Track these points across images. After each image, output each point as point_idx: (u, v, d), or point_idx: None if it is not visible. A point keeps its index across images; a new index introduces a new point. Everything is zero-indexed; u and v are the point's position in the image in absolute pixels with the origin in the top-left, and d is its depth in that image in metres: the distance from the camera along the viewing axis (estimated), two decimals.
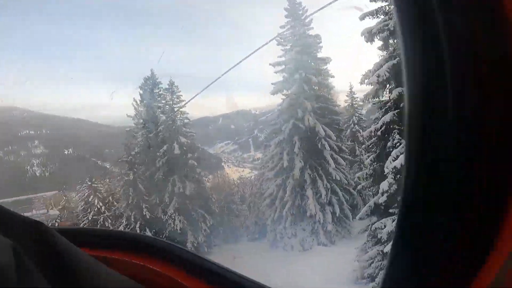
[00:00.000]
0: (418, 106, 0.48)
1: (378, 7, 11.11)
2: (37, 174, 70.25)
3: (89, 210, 28.30)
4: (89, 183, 29.20)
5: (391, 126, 11.18)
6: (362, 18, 11.44)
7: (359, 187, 15.05)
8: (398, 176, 9.93)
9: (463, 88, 0.44)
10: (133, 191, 20.66)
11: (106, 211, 27.25)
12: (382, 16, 11.11)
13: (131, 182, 20.88)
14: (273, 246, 18.59)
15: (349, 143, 23.59)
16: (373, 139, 12.42)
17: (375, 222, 10.68)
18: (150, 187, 21.35)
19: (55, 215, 30.01)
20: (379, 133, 11.72)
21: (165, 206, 19.93)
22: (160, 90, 23.86)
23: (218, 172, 36.53)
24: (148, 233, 19.34)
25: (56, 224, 28.25)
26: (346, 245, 15.86)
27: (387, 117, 10.85)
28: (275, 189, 18.69)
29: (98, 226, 25.71)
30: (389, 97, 11.37)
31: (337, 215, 17.94)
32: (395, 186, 10.05)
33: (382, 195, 10.30)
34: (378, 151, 12.17)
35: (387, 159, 10.77)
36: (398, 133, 11.05)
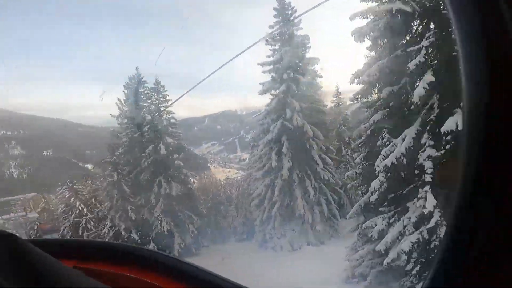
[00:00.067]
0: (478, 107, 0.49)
1: (368, 8, 11.22)
2: (15, 176, 67.68)
3: (70, 213, 27.46)
4: (70, 184, 28.33)
5: (381, 125, 11.28)
6: (352, 18, 11.52)
7: (348, 186, 15.13)
8: (389, 174, 10.02)
9: None
10: (117, 193, 20.12)
11: (89, 213, 26.48)
12: (371, 17, 11.23)
13: (115, 183, 20.32)
14: (262, 247, 18.49)
15: (335, 143, 23.83)
16: (363, 138, 12.53)
17: (365, 221, 10.73)
18: (135, 188, 20.87)
19: (34, 218, 28.97)
20: (368, 132, 11.82)
21: (151, 208, 19.50)
22: (145, 90, 23.41)
23: (204, 173, 36.15)
24: (134, 235, 18.87)
25: (35, 227, 27.27)
26: (335, 245, 15.94)
27: (377, 116, 10.94)
28: (264, 189, 18.61)
29: (80, 228, 24.96)
30: (379, 96, 11.49)
31: (326, 214, 18.02)
32: (385, 185, 10.13)
33: (373, 193, 10.37)
34: (367, 150, 12.27)
35: (377, 158, 10.85)
36: (387, 132, 11.16)
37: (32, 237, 28.96)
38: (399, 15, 10.52)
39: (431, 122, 9.94)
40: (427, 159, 9.59)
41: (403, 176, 10.14)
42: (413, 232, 9.40)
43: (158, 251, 0.84)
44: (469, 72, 0.50)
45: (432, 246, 9.12)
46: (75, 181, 29.16)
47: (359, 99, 12.60)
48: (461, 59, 0.51)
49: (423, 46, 9.54)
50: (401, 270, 9.38)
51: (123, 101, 23.89)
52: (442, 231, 8.97)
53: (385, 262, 9.05)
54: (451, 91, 9.92)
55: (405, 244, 9.03)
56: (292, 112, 18.05)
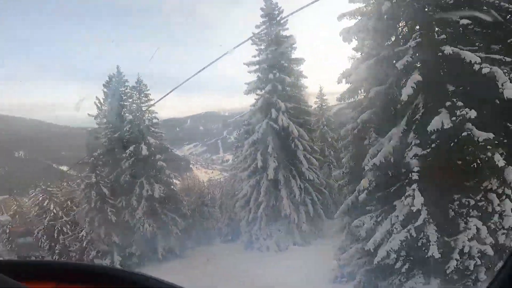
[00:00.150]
0: None
1: (356, 8, 11.31)
2: None
3: (44, 216, 26.40)
4: (44, 187, 27.17)
5: (368, 125, 11.38)
6: (340, 18, 11.59)
7: (335, 185, 15.20)
8: (377, 173, 10.10)
9: None
10: (95, 195, 19.34)
11: (64, 216, 25.49)
12: (359, 17, 11.33)
13: (93, 185, 19.55)
14: (248, 248, 18.28)
15: (318, 143, 24.01)
16: (349, 137, 12.59)
17: (354, 220, 10.76)
18: (115, 190, 20.16)
19: (6, 221, 27.63)
20: (355, 131, 11.89)
21: (133, 210, 18.87)
22: (126, 89, 22.71)
23: (187, 174, 35.59)
24: (115, 238, 18.19)
25: (7, 230, 25.97)
26: (321, 245, 15.99)
27: (365, 116, 11.02)
28: (249, 190, 18.42)
29: (56, 231, 23.98)
30: (366, 96, 11.58)
31: (311, 214, 18.05)
32: (374, 183, 10.20)
33: (361, 192, 10.41)
34: (354, 150, 12.34)
35: (364, 157, 10.93)
36: (374, 131, 11.27)
37: (4, 240, 27.51)
38: (385, 16, 10.67)
39: (417, 122, 10.12)
40: (413, 157, 9.74)
41: (390, 174, 10.24)
42: (400, 231, 9.50)
43: (137, 272, 0.80)
44: None
45: (419, 244, 9.25)
46: (49, 183, 27.98)
47: (346, 99, 12.67)
48: None
49: (410, 46, 9.70)
50: (390, 268, 9.44)
51: (102, 100, 23.07)
52: (429, 228, 9.11)
53: (375, 261, 9.09)
54: (436, 91, 10.18)
55: (394, 243, 9.10)
56: (278, 112, 18.00)
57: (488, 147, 8.84)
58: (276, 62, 18.62)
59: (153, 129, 22.14)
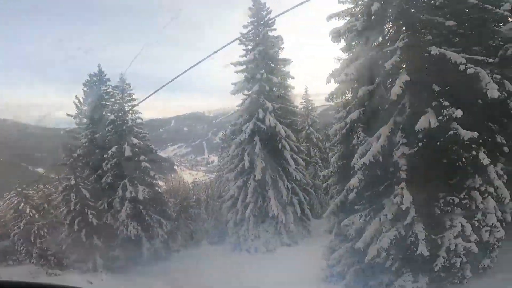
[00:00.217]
0: None
1: (345, 9, 11.41)
2: None
3: (20, 219, 25.28)
4: (19, 189, 26.04)
5: (356, 124, 11.46)
6: (329, 18, 11.64)
7: (322, 185, 15.25)
8: (366, 172, 10.16)
9: None
10: (75, 197, 18.61)
11: (41, 219, 24.48)
12: (348, 18, 11.42)
13: (72, 187, 18.79)
14: (236, 249, 18.04)
15: (304, 144, 24.14)
16: (337, 137, 12.65)
17: (343, 219, 10.78)
18: (96, 192, 19.46)
19: None
20: (344, 131, 11.96)
21: (116, 212, 18.27)
22: (108, 88, 22.02)
23: (171, 175, 34.96)
24: (97, 241, 17.59)
25: None
26: (309, 245, 16.01)
27: (354, 115, 11.09)
28: (236, 191, 18.22)
29: (32, 235, 22.98)
30: (354, 95, 11.67)
31: (298, 215, 18.05)
32: (363, 183, 10.25)
33: (350, 191, 10.45)
34: (342, 149, 12.41)
35: (352, 157, 10.99)
36: (362, 131, 11.35)
37: None
38: (373, 17, 10.79)
39: (404, 121, 10.27)
40: (401, 156, 9.87)
41: (379, 173, 10.34)
42: (390, 229, 9.59)
43: None
44: None
45: (408, 242, 9.35)
46: (24, 186, 26.82)
47: (334, 99, 12.73)
48: None
49: (398, 46, 9.84)
50: (380, 267, 9.51)
51: (82, 100, 22.28)
52: (417, 227, 9.23)
53: (366, 259, 9.11)
54: (423, 91, 10.37)
55: (384, 241, 9.16)
56: (265, 112, 17.92)
57: (473, 145, 9.07)
58: (264, 62, 18.56)
59: (136, 129, 21.57)
